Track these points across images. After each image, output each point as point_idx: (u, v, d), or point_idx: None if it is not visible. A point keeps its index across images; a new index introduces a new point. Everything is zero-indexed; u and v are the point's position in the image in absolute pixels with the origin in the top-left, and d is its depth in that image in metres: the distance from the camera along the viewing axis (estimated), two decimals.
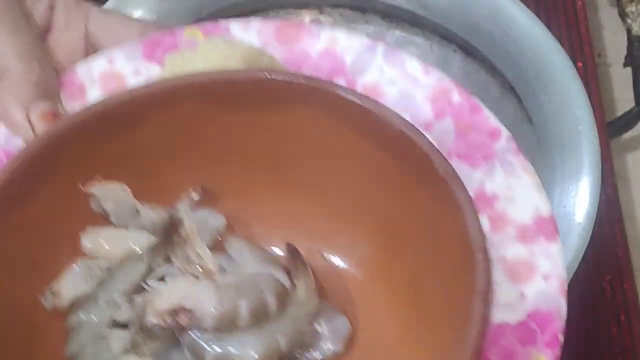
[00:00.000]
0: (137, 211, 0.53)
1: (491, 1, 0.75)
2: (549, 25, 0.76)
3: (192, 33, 0.59)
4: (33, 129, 0.54)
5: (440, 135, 0.55)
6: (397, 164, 0.50)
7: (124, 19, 0.61)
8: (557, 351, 0.49)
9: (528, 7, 0.75)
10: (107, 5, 0.77)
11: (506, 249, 0.51)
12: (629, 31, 1.00)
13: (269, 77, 0.51)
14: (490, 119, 0.55)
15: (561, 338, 0.49)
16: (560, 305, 0.50)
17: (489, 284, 0.44)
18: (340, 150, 0.52)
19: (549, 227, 0.51)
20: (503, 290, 0.49)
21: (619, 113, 0.99)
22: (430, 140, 0.49)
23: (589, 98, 0.71)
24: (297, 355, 0.52)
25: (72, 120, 0.51)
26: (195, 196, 0.55)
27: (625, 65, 1.01)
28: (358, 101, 0.50)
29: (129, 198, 0.53)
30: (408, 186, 0.49)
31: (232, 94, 0.52)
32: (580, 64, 0.96)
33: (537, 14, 0.75)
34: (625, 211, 0.95)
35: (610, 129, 0.96)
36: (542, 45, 0.73)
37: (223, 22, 0.59)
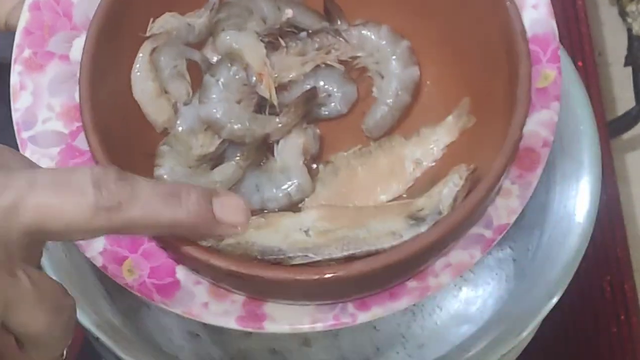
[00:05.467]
0: (189, 24, 0.61)
1: None
2: None
3: None
4: None
5: None
6: None
7: None
8: (559, 64, 0.56)
9: None
10: None
11: None
12: (629, 30, 1.00)
13: None
14: None
15: (560, 54, 0.56)
16: (552, 27, 0.57)
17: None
18: None
19: None
20: None
21: (619, 113, 1.00)
22: None
23: (589, 97, 0.70)
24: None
25: None
26: None
27: (625, 64, 1.00)
28: None
29: (179, 17, 0.61)
30: None
31: None
32: (580, 63, 0.98)
33: None
34: (625, 211, 0.95)
35: (611, 128, 0.97)
36: None
37: None
